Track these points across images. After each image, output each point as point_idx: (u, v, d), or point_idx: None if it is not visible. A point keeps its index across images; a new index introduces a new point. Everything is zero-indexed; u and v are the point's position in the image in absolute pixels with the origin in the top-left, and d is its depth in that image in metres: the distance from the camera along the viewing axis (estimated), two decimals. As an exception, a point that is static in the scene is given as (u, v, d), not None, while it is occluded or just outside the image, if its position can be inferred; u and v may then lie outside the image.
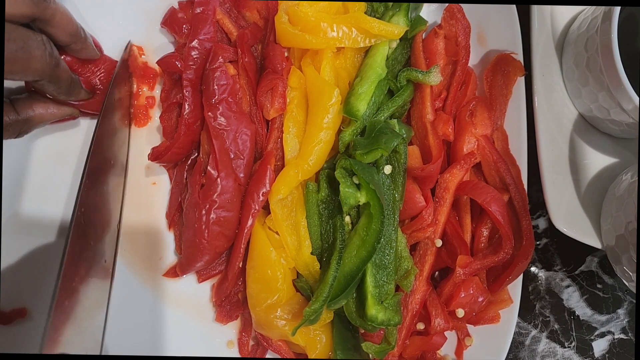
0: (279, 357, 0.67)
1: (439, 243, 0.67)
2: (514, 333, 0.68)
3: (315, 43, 0.65)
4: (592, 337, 0.78)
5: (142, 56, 0.71)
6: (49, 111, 0.62)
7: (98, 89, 0.66)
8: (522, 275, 0.67)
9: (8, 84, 0.63)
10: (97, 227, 0.63)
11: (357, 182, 0.63)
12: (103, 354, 0.65)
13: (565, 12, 0.74)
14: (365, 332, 0.64)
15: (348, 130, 0.65)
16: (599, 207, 0.70)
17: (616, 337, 0.78)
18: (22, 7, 0.51)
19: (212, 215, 0.63)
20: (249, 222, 0.64)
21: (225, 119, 0.64)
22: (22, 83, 0.63)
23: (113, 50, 0.69)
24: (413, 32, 0.69)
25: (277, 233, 0.65)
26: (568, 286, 0.78)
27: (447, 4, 0.71)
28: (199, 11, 0.66)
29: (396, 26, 0.67)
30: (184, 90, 0.65)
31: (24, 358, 0.53)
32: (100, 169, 0.63)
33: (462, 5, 0.70)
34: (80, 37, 0.60)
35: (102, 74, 0.66)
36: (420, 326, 0.67)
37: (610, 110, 0.67)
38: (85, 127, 0.68)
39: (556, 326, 0.78)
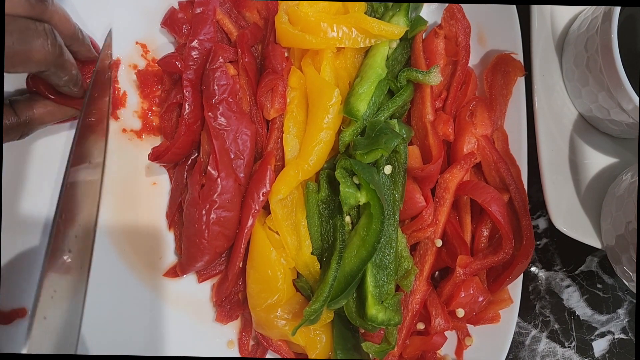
0: (279, 357, 0.67)
1: (439, 243, 0.67)
2: (514, 333, 0.68)
3: (315, 43, 0.65)
4: (592, 337, 0.78)
5: (147, 54, 0.71)
6: (49, 112, 0.62)
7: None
8: (522, 275, 0.67)
9: (7, 86, 0.63)
10: (63, 223, 0.62)
11: (357, 182, 0.63)
12: (103, 354, 0.65)
13: (565, 12, 0.74)
14: (365, 332, 0.64)
15: (348, 131, 0.65)
16: (599, 207, 0.70)
17: (616, 337, 0.78)
18: (19, 8, 0.50)
19: (212, 215, 0.63)
20: (249, 222, 0.64)
21: (225, 119, 0.64)
22: (22, 85, 0.63)
23: (113, 50, 0.69)
24: (413, 32, 0.69)
25: (277, 233, 0.65)
26: (568, 286, 0.78)
27: (447, 4, 0.71)
28: (199, 11, 0.66)
29: (396, 26, 0.67)
30: (184, 90, 0.65)
31: (24, 358, 0.53)
32: (79, 168, 0.63)
33: (462, 5, 0.70)
34: (78, 38, 0.60)
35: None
36: (421, 326, 0.67)
37: (610, 110, 0.67)
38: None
39: (556, 326, 0.78)
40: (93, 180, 0.66)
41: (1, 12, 0.49)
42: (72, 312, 0.60)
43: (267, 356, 0.68)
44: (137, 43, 0.70)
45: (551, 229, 0.76)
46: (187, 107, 0.65)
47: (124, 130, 0.70)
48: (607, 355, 0.78)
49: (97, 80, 0.65)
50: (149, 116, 0.71)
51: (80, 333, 0.63)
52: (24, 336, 0.59)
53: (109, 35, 0.68)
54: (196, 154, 0.69)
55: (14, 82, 0.63)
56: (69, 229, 0.62)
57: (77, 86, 0.61)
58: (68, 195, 0.61)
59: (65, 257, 0.60)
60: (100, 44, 0.67)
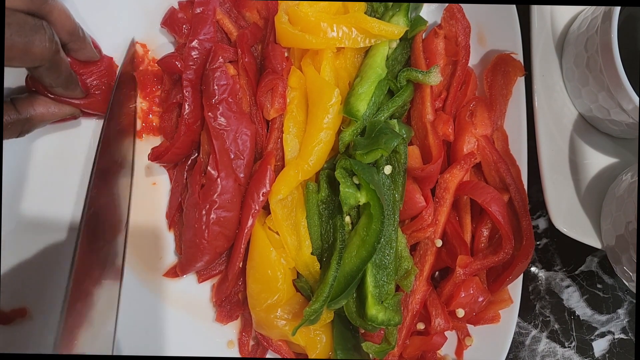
0: (279, 357, 0.67)
1: (439, 243, 0.67)
2: (514, 333, 0.68)
3: (315, 43, 0.65)
4: (592, 337, 0.78)
5: (148, 52, 0.71)
6: (49, 110, 0.62)
7: (97, 88, 0.66)
8: (522, 275, 0.67)
9: (8, 82, 0.63)
10: (108, 229, 0.63)
11: (357, 182, 0.63)
12: (103, 354, 0.65)
13: (565, 12, 0.73)
14: (365, 332, 0.64)
15: (348, 131, 0.65)
16: (599, 207, 0.70)
17: (616, 337, 0.78)
18: (18, 1, 0.50)
19: (212, 215, 0.63)
20: (249, 222, 0.64)
21: (225, 119, 0.64)
22: (22, 82, 0.63)
23: (113, 50, 0.69)
24: (413, 32, 0.69)
25: (277, 233, 0.65)
26: (568, 286, 0.78)
27: (447, 4, 0.71)
28: (199, 11, 0.66)
29: (396, 26, 0.67)
30: (184, 90, 0.65)
31: (24, 358, 0.53)
32: (108, 170, 0.63)
33: (462, 5, 0.70)
34: (78, 36, 0.60)
35: (101, 75, 0.66)
36: (421, 326, 0.67)
37: (610, 110, 0.67)
38: (86, 127, 0.68)
39: (556, 326, 0.78)
40: (127, 182, 0.67)
41: (1, 9, 0.49)
42: (113, 317, 0.62)
43: (267, 356, 0.68)
44: (137, 43, 0.70)
45: (551, 229, 0.76)
46: (187, 107, 0.65)
47: (124, 130, 0.70)
48: (607, 355, 0.78)
49: (120, 86, 0.66)
50: (149, 116, 0.71)
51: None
52: (24, 336, 0.59)
53: (132, 44, 0.69)
54: (196, 154, 0.69)
55: (15, 79, 0.63)
56: (117, 234, 0.64)
57: (70, 88, 0.61)
58: (108, 201, 0.63)
59: (115, 264, 0.61)
60: (100, 44, 0.67)
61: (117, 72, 0.66)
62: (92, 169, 0.61)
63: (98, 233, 0.60)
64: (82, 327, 0.55)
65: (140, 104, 0.70)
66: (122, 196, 0.66)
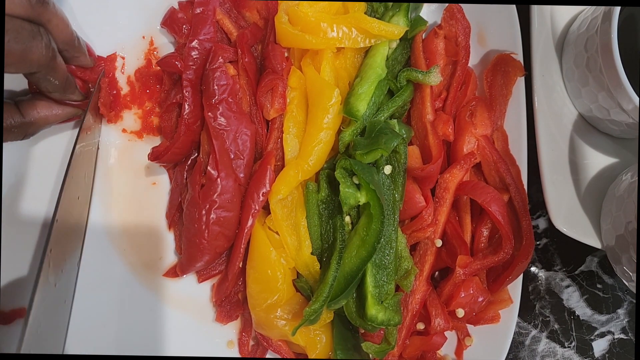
0: (279, 357, 0.67)
1: (439, 243, 0.67)
2: (514, 333, 0.68)
3: (315, 43, 0.65)
4: (592, 337, 0.78)
5: (153, 48, 0.71)
6: (53, 112, 0.62)
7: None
8: (522, 275, 0.67)
9: (12, 85, 0.63)
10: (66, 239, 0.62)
11: (357, 182, 0.63)
12: (103, 354, 0.65)
13: (565, 12, 0.73)
14: (365, 332, 0.64)
15: (348, 131, 0.65)
16: (599, 207, 0.70)
17: (616, 337, 0.78)
18: (18, 8, 0.50)
19: (212, 215, 0.63)
20: (249, 222, 0.64)
21: (225, 119, 0.64)
22: (26, 85, 0.63)
23: (112, 50, 0.69)
24: (413, 32, 0.69)
25: (277, 233, 0.65)
26: (568, 286, 0.78)
27: (447, 4, 0.71)
28: (199, 11, 0.66)
29: (396, 26, 0.67)
30: (184, 91, 0.65)
31: (24, 358, 0.53)
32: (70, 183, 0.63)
33: (462, 5, 0.70)
34: (74, 45, 0.60)
35: (94, 81, 0.66)
36: (420, 326, 0.67)
37: (610, 110, 0.67)
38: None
39: (556, 326, 0.78)
40: (86, 184, 0.67)
41: (1, 14, 0.49)
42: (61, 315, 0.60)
43: (267, 356, 0.68)
44: (143, 37, 0.70)
45: (551, 229, 0.75)
46: (186, 107, 0.65)
47: (124, 131, 0.70)
48: (607, 355, 0.78)
49: (92, 109, 0.66)
50: (149, 116, 0.71)
51: (81, 333, 0.63)
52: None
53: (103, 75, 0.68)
54: (196, 154, 0.69)
55: (20, 82, 0.63)
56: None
57: (68, 91, 0.61)
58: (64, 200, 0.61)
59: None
60: (99, 45, 0.67)
61: (89, 99, 0.66)
62: (64, 176, 0.61)
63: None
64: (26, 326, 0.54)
65: (145, 106, 0.71)
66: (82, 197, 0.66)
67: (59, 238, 0.60)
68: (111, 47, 0.69)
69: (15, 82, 0.63)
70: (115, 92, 0.69)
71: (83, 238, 0.66)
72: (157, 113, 0.71)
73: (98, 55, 0.68)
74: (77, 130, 0.64)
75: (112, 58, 0.69)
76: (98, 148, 0.69)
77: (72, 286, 0.64)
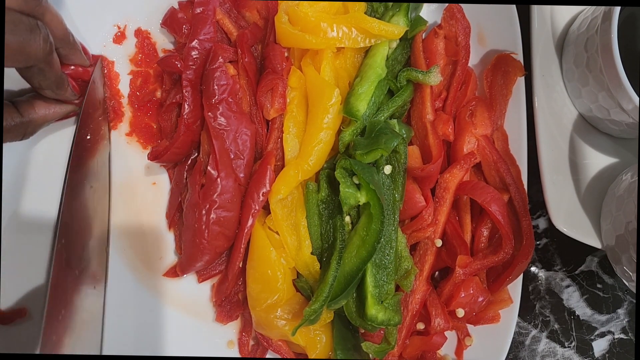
0: (279, 357, 0.67)
1: (439, 243, 0.67)
2: (514, 333, 0.68)
3: (315, 43, 0.65)
4: (592, 337, 0.78)
5: (151, 38, 0.71)
6: (51, 110, 0.62)
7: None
8: (522, 275, 0.67)
9: (9, 86, 0.62)
10: (79, 235, 0.62)
11: (357, 182, 0.63)
12: (103, 354, 0.65)
13: (565, 12, 0.73)
14: (365, 332, 0.64)
15: (348, 131, 0.65)
16: (599, 207, 0.70)
17: (616, 337, 0.78)
18: (12, 1, 0.50)
19: (212, 215, 0.63)
20: (249, 222, 0.64)
21: (225, 119, 0.64)
22: (24, 85, 0.63)
23: (112, 50, 0.69)
24: (413, 32, 0.69)
25: (277, 233, 0.65)
26: (568, 286, 0.78)
27: (447, 4, 0.71)
28: (199, 11, 0.66)
29: (396, 26, 0.67)
30: (184, 90, 0.65)
31: (24, 358, 0.53)
32: (81, 177, 0.63)
33: (462, 5, 0.70)
34: (68, 41, 0.60)
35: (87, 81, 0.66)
36: (420, 326, 0.67)
37: (610, 110, 0.67)
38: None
39: (556, 326, 0.78)
40: (103, 186, 0.67)
41: (1, 13, 0.49)
42: (99, 321, 0.62)
43: (267, 356, 0.68)
44: (142, 36, 0.71)
45: (551, 229, 0.76)
46: (186, 107, 0.65)
47: (128, 134, 0.70)
48: (607, 355, 0.78)
49: (89, 99, 0.66)
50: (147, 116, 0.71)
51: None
52: (24, 336, 0.59)
53: (100, 62, 0.68)
54: (196, 154, 0.69)
55: (16, 82, 0.63)
56: (88, 240, 0.63)
57: (60, 89, 0.60)
58: (79, 207, 0.62)
59: (91, 270, 0.61)
60: (96, 45, 0.67)
61: (87, 88, 0.66)
62: (65, 178, 0.61)
63: (71, 240, 0.60)
64: (64, 334, 0.54)
65: (144, 106, 0.71)
66: (96, 200, 0.66)
67: (68, 232, 0.61)
68: (108, 47, 0.69)
69: (14, 82, 0.63)
70: (114, 92, 0.69)
71: (108, 232, 0.67)
72: (157, 113, 0.71)
73: (93, 55, 0.68)
74: (75, 127, 0.64)
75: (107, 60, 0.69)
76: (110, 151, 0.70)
77: (103, 270, 0.66)
